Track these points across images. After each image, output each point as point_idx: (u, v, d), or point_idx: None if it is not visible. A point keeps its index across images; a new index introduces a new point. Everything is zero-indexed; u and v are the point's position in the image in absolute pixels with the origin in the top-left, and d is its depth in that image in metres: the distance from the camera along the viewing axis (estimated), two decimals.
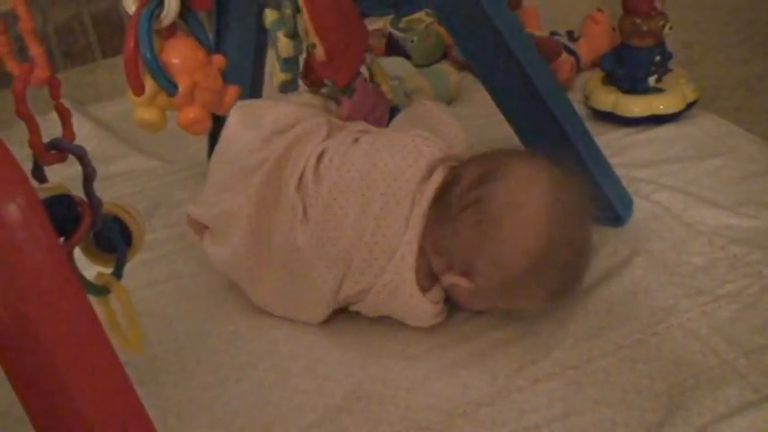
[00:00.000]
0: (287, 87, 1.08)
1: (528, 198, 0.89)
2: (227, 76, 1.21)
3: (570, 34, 1.51)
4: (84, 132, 1.51)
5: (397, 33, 1.59)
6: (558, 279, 0.91)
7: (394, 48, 1.59)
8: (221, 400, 0.91)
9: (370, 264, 0.91)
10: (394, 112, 1.14)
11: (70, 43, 1.83)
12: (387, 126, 1.08)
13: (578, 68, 1.47)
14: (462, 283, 0.91)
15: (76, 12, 1.85)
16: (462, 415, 0.85)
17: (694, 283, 0.98)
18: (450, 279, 0.91)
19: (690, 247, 1.04)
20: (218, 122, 1.31)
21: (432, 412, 0.86)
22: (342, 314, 1.00)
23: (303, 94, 1.11)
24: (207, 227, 1.02)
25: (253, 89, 1.26)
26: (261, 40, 1.21)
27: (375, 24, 1.67)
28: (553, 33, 1.50)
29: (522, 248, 0.88)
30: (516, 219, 0.88)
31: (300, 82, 1.11)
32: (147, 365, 0.97)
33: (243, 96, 1.25)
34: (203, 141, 1.36)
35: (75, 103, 1.61)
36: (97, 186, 1.30)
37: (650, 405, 0.83)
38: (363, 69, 1.13)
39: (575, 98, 1.40)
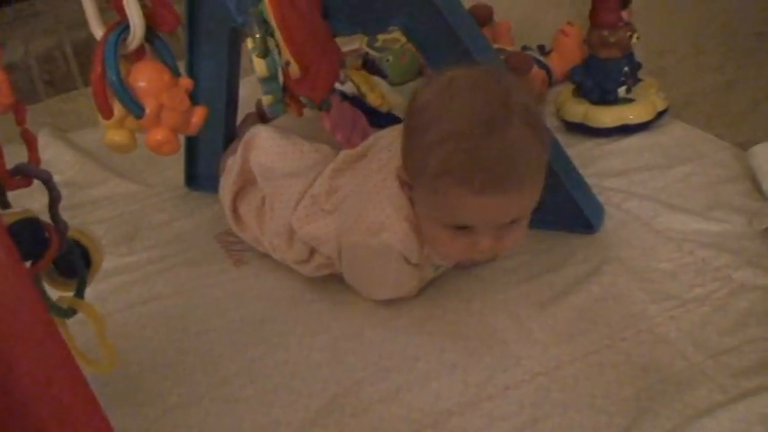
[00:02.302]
0: (274, 109, 1.10)
1: (440, 98, 0.89)
2: (201, 98, 1.23)
3: (541, 48, 1.53)
4: (65, 159, 1.53)
5: (372, 53, 1.61)
6: (478, 171, 0.85)
7: (370, 67, 1.60)
8: (197, 417, 0.92)
9: None
10: (390, 117, 1.16)
11: (52, 72, 1.85)
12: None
13: (551, 82, 1.49)
14: (405, 189, 0.94)
15: (58, 41, 1.87)
16: (433, 425, 0.86)
17: (663, 289, 1.00)
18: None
19: (659, 253, 1.06)
20: (192, 147, 1.35)
21: (403, 423, 0.87)
22: (317, 330, 1.01)
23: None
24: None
25: (228, 111, 1.28)
26: (233, 61, 1.22)
27: (352, 45, 1.69)
28: (525, 48, 1.52)
29: (428, 142, 0.87)
30: (427, 115, 0.89)
31: None
32: (124, 385, 0.98)
33: (218, 118, 1.28)
34: (181, 165, 1.38)
35: (56, 131, 1.63)
36: (79, 212, 1.34)
37: (618, 409, 0.84)
38: (348, 87, 1.16)
39: (547, 111, 1.43)
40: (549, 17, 1.72)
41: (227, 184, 1.17)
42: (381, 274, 1.01)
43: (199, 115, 0.87)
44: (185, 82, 0.86)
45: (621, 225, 1.12)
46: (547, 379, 0.89)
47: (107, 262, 1.19)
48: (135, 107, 0.83)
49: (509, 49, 1.47)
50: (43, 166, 1.49)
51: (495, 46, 1.48)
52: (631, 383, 0.87)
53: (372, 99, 1.05)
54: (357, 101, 1.10)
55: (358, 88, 1.06)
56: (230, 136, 1.29)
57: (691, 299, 0.97)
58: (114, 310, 1.11)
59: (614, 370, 0.89)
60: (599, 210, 1.13)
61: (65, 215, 0.83)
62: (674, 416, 0.82)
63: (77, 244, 0.85)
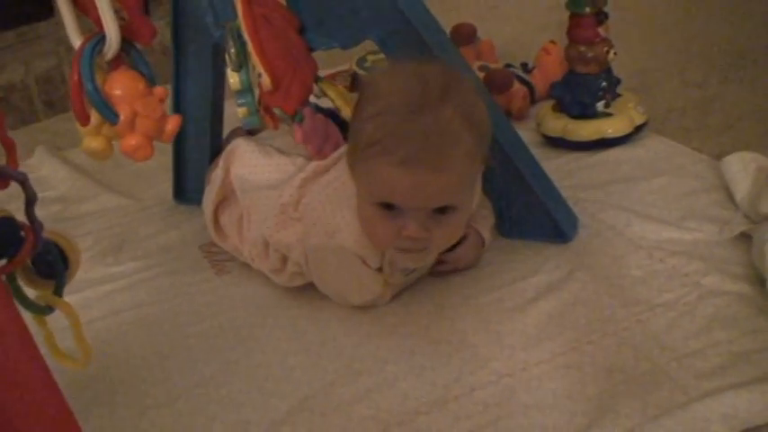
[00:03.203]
0: (248, 122, 1.12)
1: (383, 78, 0.94)
2: (187, 114, 1.27)
3: (524, 66, 1.56)
4: (59, 176, 1.57)
5: (362, 73, 1.65)
6: (403, 143, 0.87)
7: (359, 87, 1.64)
8: (171, 417, 0.94)
9: None
10: None
11: (50, 93, 1.89)
12: None
13: (533, 99, 1.51)
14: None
15: (57, 63, 1.91)
16: (399, 424, 0.87)
17: (632, 294, 1.01)
18: None
19: (630, 260, 1.07)
20: (180, 162, 1.38)
21: (371, 422, 0.88)
22: (293, 335, 1.03)
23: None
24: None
25: (213, 126, 1.31)
26: (217, 77, 1.26)
27: (342, 66, 1.73)
28: (508, 66, 1.55)
29: (364, 116, 0.90)
30: (367, 93, 0.93)
31: None
32: (103, 387, 1.00)
33: (204, 134, 1.31)
34: (170, 179, 1.41)
35: (51, 149, 1.68)
36: (69, 224, 1.37)
37: (580, 409, 0.86)
38: (323, 101, 1.18)
39: (529, 127, 1.46)
40: (534, 36, 1.74)
41: (209, 195, 1.20)
42: (344, 278, 1.03)
43: (173, 123, 0.90)
44: (160, 91, 0.89)
45: (595, 234, 1.14)
46: (512, 380, 0.91)
47: (93, 272, 1.24)
48: (110, 114, 0.86)
49: (492, 65, 1.50)
50: (39, 182, 1.54)
51: (479, 63, 1.51)
52: (595, 384, 0.88)
53: (347, 113, 1.08)
54: (332, 114, 1.13)
55: (333, 102, 1.09)
56: (216, 151, 1.32)
57: (659, 304, 0.99)
58: (97, 317, 1.13)
59: (579, 372, 0.91)
60: (573, 220, 1.15)
61: (57, 228, 0.86)
62: (635, 415, 0.83)
63: (55, 246, 0.87)
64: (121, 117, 0.85)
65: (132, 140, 0.87)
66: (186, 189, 1.40)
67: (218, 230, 1.20)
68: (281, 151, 1.17)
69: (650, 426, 0.81)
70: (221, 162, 1.19)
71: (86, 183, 1.53)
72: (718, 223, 1.11)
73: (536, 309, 1.01)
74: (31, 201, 0.83)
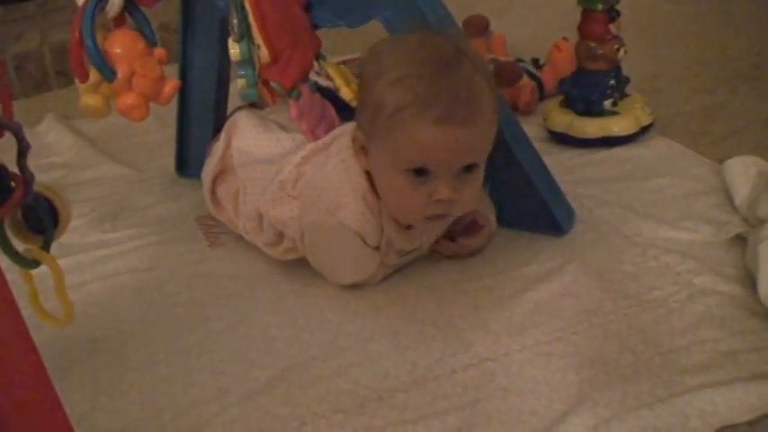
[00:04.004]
0: (246, 94, 1.11)
1: (391, 49, 0.94)
2: (193, 88, 1.27)
3: (535, 62, 1.55)
4: (65, 143, 1.59)
5: None
6: (435, 102, 0.88)
7: None
8: (150, 381, 0.94)
9: None
10: None
11: (64, 63, 1.90)
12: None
13: (542, 95, 1.51)
14: (359, 136, 0.96)
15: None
16: (377, 400, 0.87)
17: (622, 289, 1.00)
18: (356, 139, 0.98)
19: (623, 256, 1.07)
20: (183, 135, 1.38)
21: (349, 397, 0.88)
22: (280, 309, 1.03)
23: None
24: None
25: (218, 101, 1.31)
26: (224, 52, 1.25)
27: (353, 54, 1.72)
28: (519, 60, 1.54)
29: (382, 86, 0.91)
30: (379, 65, 0.93)
31: None
32: (87, 347, 1.01)
33: (208, 107, 1.32)
34: (173, 153, 1.41)
35: (60, 117, 1.68)
36: (70, 191, 1.38)
37: (559, 396, 0.85)
38: (323, 79, 1.18)
39: (536, 122, 1.45)
40: (547, 32, 1.74)
41: (209, 166, 1.20)
42: (340, 255, 1.03)
43: (171, 86, 0.90)
44: (159, 52, 0.89)
45: (591, 229, 1.13)
46: (494, 365, 0.90)
47: (89, 237, 1.24)
48: (107, 71, 0.86)
49: (501, 58, 1.50)
50: (45, 148, 1.55)
51: (489, 56, 1.50)
52: (576, 373, 0.88)
53: (345, 93, 1.07)
54: (330, 94, 1.12)
55: (333, 81, 1.08)
56: (220, 126, 1.32)
57: (648, 300, 0.98)
58: (88, 280, 1.14)
59: (561, 360, 0.90)
60: (569, 213, 1.14)
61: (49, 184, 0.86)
62: (614, 405, 0.82)
63: (46, 201, 0.88)
64: (119, 75, 0.85)
65: (128, 99, 0.87)
66: (188, 163, 1.41)
67: (214, 202, 1.20)
68: (281, 126, 1.17)
69: (627, 417, 0.80)
70: (223, 134, 1.19)
71: (91, 151, 1.54)
72: (716, 225, 1.10)
73: (524, 297, 1.01)
74: (23, 151, 0.83)
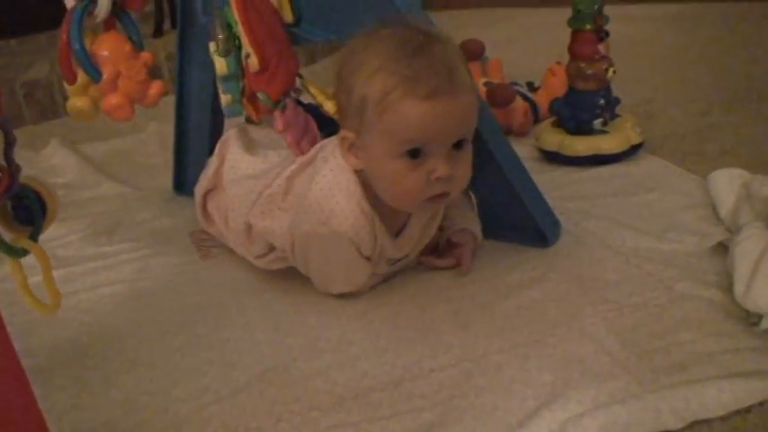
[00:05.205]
0: (230, 110, 1.14)
1: (364, 43, 0.96)
2: (189, 106, 1.30)
3: (530, 85, 1.57)
4: (69, 163, 1.62)
5: None
6: (420, 80, 0.90)
7: None
8: (133, 382, 0.95)
9: None
10: None
11: None
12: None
13: (537, 118, 1.53)
14: (348, 135, 0.98)
15: None
16: (353, 398, 0.88)
17: (603, 295, 1.01)
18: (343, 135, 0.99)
19: (606, 265, 1.07)
20: (180, 154, 1.41)
21: (326, 396, 0.89)
22: (265, 316, 1.05)
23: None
24: None
25: (214, 118, 1.34)
26: None
27: None
28: (514, 84, 1.57)
29: (363, 79, 0.93)
30: (355, 60, 0.95)
31: None
32: (72, 351, 1.02)
33: (205, 125, 1.34)
34: (170, 171, 1.44)
35: (65, 141, 1.72)
36: (70, 208, 1.41)
37: (533, 393, 0.85)
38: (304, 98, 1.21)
39: (528, 143, 1.47)
40: (541, 56, 1.76)
41: (201, 181, 1.22)
42: (332, 266, 1.04)
43: (156, 88, 0.93)
44: (145, 55, 0.92)
45: (575, 240, 1.14)
46: (471, 365, 0.91)
47: (84, 250, 1.27)
48: (94, 72, 0.89)
49: (495, 81, 1.52)
50: (48, 170, 1.58)
51: (484, 79, 1.53)
52: (551, 372, 0.88)
53: (329, 107, 1.09)
54: (313, 110, 1.14)
55: (314, 98, 1.11)
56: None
57: (628, 305, 0.99)
58: (80, 289, 1.16)
59: (538, 360, 0.90)
60: (555, 224, 1.15)
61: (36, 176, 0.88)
62: (586, 401, 0.82)
63: (34, 193, 0.90)
64: (104, 75, 0.88)
65: (113, 99, 0.90)
66: (186, 181, 1.43)
67: (205, 216, 1.22)
68: (268, 145, 1.19)
69: (599, 413, 0.80)
70: (217, 149, 1.22)
71: (92, 172, 1.57)
72: (699, 236, 1.11)
73: (506, 303, 1.01)
74: (10, 143, 0.85)
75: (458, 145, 0.94)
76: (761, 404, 0.80)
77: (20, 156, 0.80)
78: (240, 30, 1.03)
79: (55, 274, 1.12)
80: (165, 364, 0.98)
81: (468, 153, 0.97)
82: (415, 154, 0.93)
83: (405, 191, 0.96)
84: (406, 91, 0.90)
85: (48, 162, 1.63)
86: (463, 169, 0.96)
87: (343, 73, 0.96)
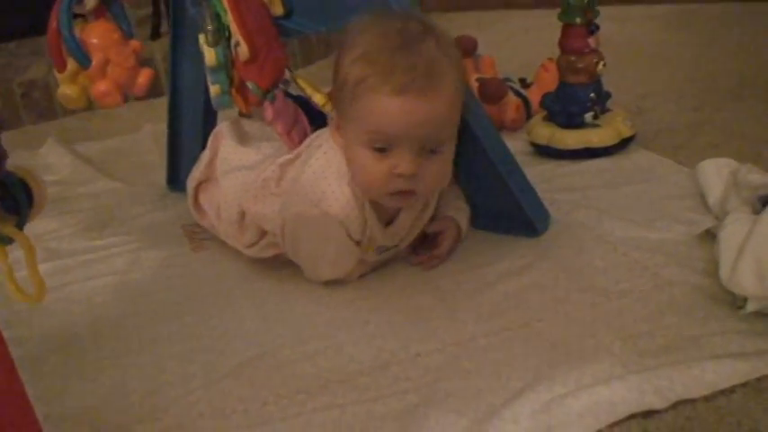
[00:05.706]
0: (219, 101, 1.15)
1: (359, 29, 0.97)
2: (182, 101, 1.30)
3: (522, 81, 1.58)
4: (64, 162, 1.63)
5: None
6: (394, 73, 0.91)
7: None
8: (122, 367, 0.96)
9: None
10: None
11: None
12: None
13: (529, 113, 1.53)
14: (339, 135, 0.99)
15: None
16: (340, 382, 0.88)
17: (590, 281, 1.01)
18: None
19: (594, 253, 1.08)
20: (174, 150, 1.42)
21: (312, 380, 0.89)
22: (254, 304, 1.05)
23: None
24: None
25: (206, 114, 1.35)
26: None
27: None
28: (506, 80, 1.57)
29: (348, 62, 0.94)
30: (347, 45, 0.96)
31: None
32: (62, 339, 1.03)
33: (197, 121, 1.35)
34: (164, 168, 1.45)
35: (61, 141, 1.73)
36: (63, 203, 1.42)
37: (517, 375, 0.85)
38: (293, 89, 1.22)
39: (520, 137, 1.47)
40: (534, 53, 1.76)
41: (194, 173, 1.23)
42: (321, 248, 1.04)
43: (145, 76, 0.94)
44: (134, 44, 0.93)
45: (565, 230, 1.14)
46: (457, 349, 0.91)
47: (76, 244, 1.27)
48: (83, 58, 0.90)
49: (487, 76, 1.53)
50: (44, 168, 1.59)
51: (477, 75, 1.54)
52: (537, 356, 0.88)
53: (318, 98, 1.10)
54: (302, 101, 1.15)
55: (303, 90, 1.11)
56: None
57: (615, 291, 0.99)
58: (71, 281, 1.17)
59: (524, 344, 0.91)
60: (544, 215, 1.16)
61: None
62: (570, 383, 0.83)
63: (21, 181, 0.90)
64: (93, 62, 0.89)
65: (102, 86, 0.91)
66: (180, 177, 1.43)
67: (197, 207, 1.23)
68: (261, 137, 1.20)
69: (582, 393, 0.80)
70: (209, 143, 1.23)
71: (87, 169, 1.58)
72: (687, 224, 1.11)
73: (494, 290, 1.02)
74: None
75: (430, 151, 0.94)
76: (744, 385, 0.81)
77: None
78: (229, 18, 1.03)
79: (48, 266, 1.14)
80: (153, 351, 0.98)
81: (442, 157, 0.96)
82: (381, 149, 0.93)
83: (368, 180, 0.96)
84: (377, 83, 0.91)
85: (43, 160, 1.64)
86: (433, 170, 0.95)
87: (338, 53, 0.98)
